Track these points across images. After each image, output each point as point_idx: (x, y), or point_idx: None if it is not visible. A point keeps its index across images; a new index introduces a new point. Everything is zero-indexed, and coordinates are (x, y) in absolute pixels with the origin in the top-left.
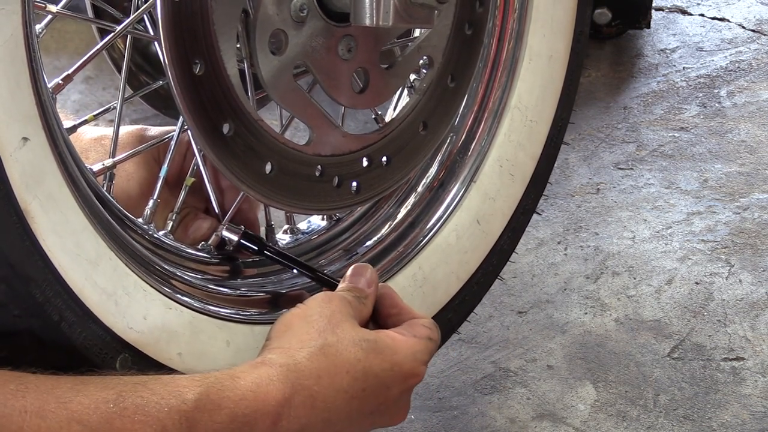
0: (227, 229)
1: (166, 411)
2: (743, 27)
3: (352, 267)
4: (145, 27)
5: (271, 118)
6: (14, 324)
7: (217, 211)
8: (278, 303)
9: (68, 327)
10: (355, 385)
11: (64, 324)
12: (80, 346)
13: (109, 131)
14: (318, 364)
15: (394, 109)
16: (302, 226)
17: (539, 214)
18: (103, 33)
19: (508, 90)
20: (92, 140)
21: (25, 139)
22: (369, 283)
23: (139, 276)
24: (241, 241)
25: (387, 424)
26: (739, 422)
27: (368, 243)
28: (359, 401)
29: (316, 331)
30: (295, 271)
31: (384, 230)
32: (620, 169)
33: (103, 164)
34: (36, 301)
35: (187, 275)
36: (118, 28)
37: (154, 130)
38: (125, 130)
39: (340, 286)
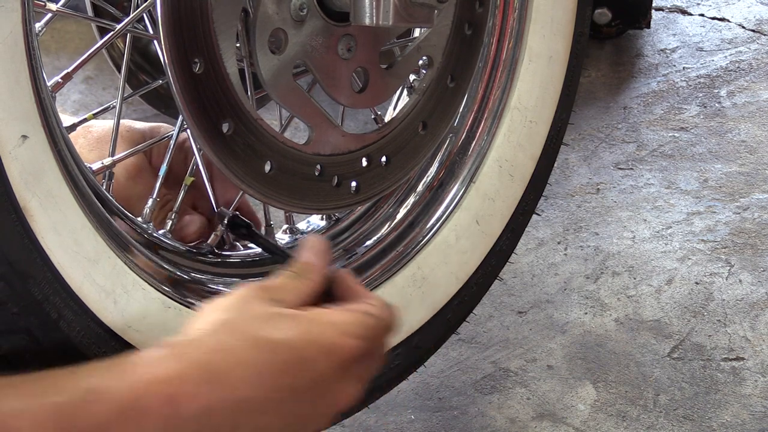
0: (221, 214)
1: (38, 407)
2: (743, 27)
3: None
4: (145, 26)
5: (271, 117)
6: (13, 322)
7: (216, 209)
8: None
9: (67, 325)
10: (261, 358)
11: (63, 322)
12: (78, 344)
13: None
14: (218, 338)
15: (394, 108)
16: (302, 225)
17: (539, 214)
18: (102, 32)
19: (508, 90)
20: (82, 128)
21: (25, 136)
22: (316, 254)
23: (137, 274)
24: (232, 222)
25: (332, 407)
26: (739, 422)
27: (368, 243)
28: (272, 377)
29: (222, 310)
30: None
31: (383, 230)
32: (620, 169)
33: (102, 163)
34: (35, 298)
35: (187, 274)
36: (118, 26)
37: (139, 125)
38: (109, 125)
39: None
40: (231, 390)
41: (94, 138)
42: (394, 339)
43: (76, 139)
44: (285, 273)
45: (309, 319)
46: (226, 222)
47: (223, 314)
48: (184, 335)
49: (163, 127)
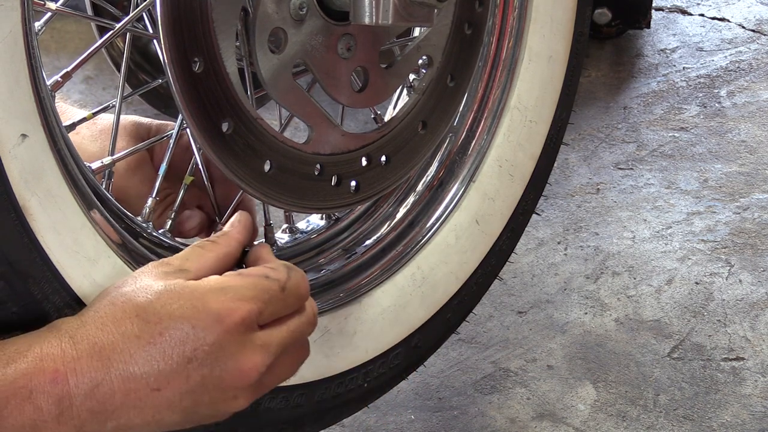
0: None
1: None
2: (743, 27)
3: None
4: (145, 25)
5: (271, 117)
6: (12, 321)
7: (215, 208)
8: None
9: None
10: (148, 329)
11: None
12: None
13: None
14: (104, 313)
15: (394, 108)
16: (301, 225)
17: (538, 214)
18: (102, 31)
19: (508, 90)
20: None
21: (24, 135)
22: (232, 225)
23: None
24: None
25: (238, 377)
26: (739, 422)
27: (367, 242)
28: (159, 348)
29: (114, 288)
30: None
31: (383, 230)
32: (620, 169)
33: (102, 162)
34: (34, 298)
35: None
36: (118, 26)
37: (146, 121)
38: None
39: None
40: (119, 364)
41: (97, 130)
42: (395, 336)
43: (80, 130)
44: (193, 244)
45: (198, 288)
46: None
47: (113, 292)
48: (71, 315)
49: (170, 125)
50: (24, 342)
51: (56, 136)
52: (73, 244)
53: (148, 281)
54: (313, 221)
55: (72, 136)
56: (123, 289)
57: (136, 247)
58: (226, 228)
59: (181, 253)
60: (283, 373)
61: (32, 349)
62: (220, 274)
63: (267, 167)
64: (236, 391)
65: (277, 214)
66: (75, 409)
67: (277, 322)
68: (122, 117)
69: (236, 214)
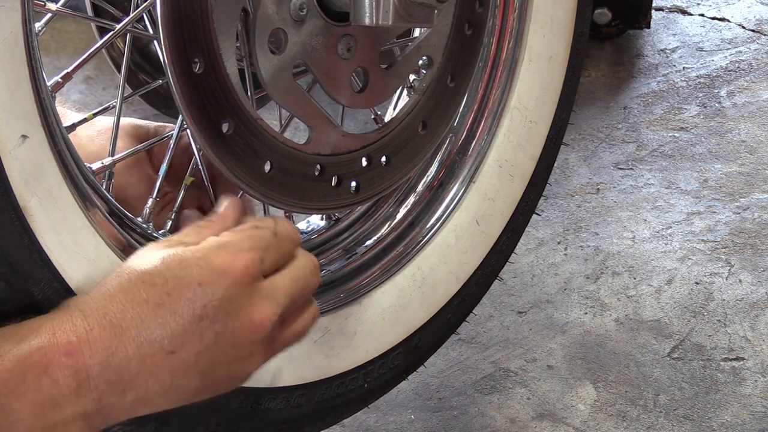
0: None
1: None
2: (743, 27)
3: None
4: (145, 26)
5: (271, 117)
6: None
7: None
8: None
9: None
10: (155, 292)
11: None
12: None
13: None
14: (111, 285)
15: (394, 108)
16: (301, 225)
17: (539, 214)
18: (102, 32)
19: (508, 90)
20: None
21: (24, 136)
22: (225, 207)
23: None
24: None
25: (244, 329)
26: (739, 422)
27: (368, 243)
28: (169, 309)
29: (120, 266)
30: None
31: (383, 230)
32: (620, 169)
33: (102, 163)
34: (35, 298)
35: None
36: (118, 26)
37: (144, 122)
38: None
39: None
40: (131, 330)
41: (95, 131)
42: (395, 336)
43: (77, 132)
44: (190, 225)
45: (198, 249)
46: None
47: (117, 269)
48: (80, 293)
49: (169, 126)
50: (36, 321)
51: (56, 136)
52: (73, 244)
53: (150, 253)
54: (313, 222)
55: (70, 137)
56: (127, 263)
57: (137, 248)
58: (219, 209)
59: (180, 232)
60: (295, 329)
61: (44, 326)
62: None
63: (267, 168)
64: (252, 346)
65: (277, 214)
66: (92, 381)
67: (278, 270)
68: (121, 119)
69: (226, 199)
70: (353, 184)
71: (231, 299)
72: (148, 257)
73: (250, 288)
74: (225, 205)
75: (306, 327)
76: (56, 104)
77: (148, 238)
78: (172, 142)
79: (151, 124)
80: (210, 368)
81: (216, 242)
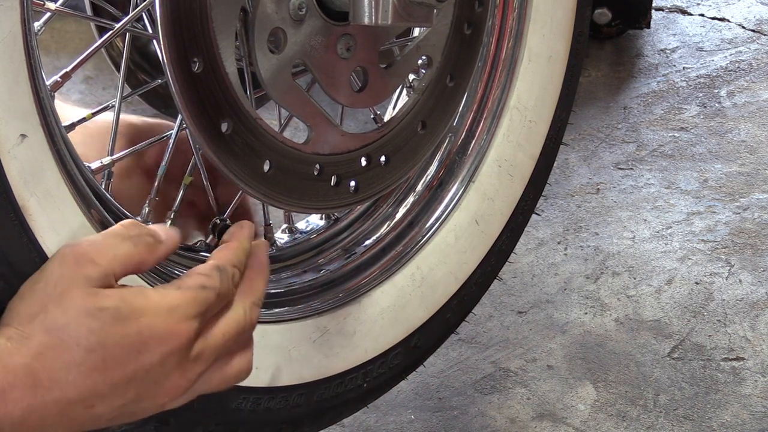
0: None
1: None
2: (743, 27)
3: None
4: (144, 25)
5: (271, 117)
6: None
7: (215, 208)
8: (275, 301)
9: None
10: (90, 358)
11: None
12: None
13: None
14: (39, 340)
15: (393, 108)
16: (301, 225)
17: (538, 214)
18: (101, 31)
19: (508, 90)
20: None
21: (23, 135)
22: (166, 233)
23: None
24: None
25: (164, 391)
26: (739, 422)
27: (367, 242)
28: (101, 373)
29: (39, 304)
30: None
31: (383, 230)
32: (620, 169)
33: (101, 162)
34: None
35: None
36: (117, 25)
37: (135, 119)
38: (106, 121)
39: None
40: (59, 391)
41: (88, 134)
42: (394, 336)
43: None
44: (117, 231)
45: (142, 311)
46: (217, 233)
47: (40, 312)
48: (3, 333)
49: (162, 124)
50: None
51: (55, 136)
52: None
53: (79, 302)
54: (312, 221)
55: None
56: (54, 312)
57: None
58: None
59: (95, 239)
60: (223, 376)
61: None
62: (141, 266)
63: (266, 167)
64: (166, 401)
65: (276, 214)
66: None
67: (209, 325)
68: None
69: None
70: (352, 183)
71: (162, 364)
72: (80, 314)
73: (182, 354)
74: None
75: (235, 377)
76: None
77: None
78: (171, 141)
79: (146, 121)
80: (120, 417)
81: (161, 304)
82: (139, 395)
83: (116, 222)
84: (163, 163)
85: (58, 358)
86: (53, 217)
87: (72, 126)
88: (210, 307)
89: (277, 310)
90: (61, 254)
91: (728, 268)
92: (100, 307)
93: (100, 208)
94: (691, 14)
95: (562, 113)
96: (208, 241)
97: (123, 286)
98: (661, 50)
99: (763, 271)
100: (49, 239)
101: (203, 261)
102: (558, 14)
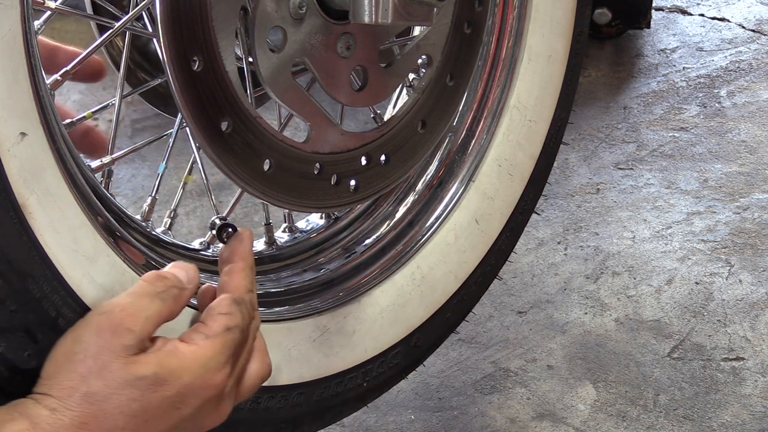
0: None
1: None
2: (743, 27)
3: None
4: (144, 24)
5: (271, 117)
6: (11, 320)
7: (214, 208)
8: (275, 300)
9: (65, 323)
10: (133, 422)
11: (61, 320)
12: None
13: None
14: (83, 410)
15: (393, 107)
16: (301, 224)
17: (538, 214)
18: (101, 30)
19: (507, 89)
20: None
21: (23, 134)
22: (188, 277)
23: (136, 273)
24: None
25: (197, 429)
26: (739, 422)
27: (367, 241)
28: (143, 430)
29: (80, 376)
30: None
31: (382, 229)
32: (620, 169)
33: (101, 161)
34: (33, 296)
35: None
36: (117, 24)
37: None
38: None
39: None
40: None
41: None
42: (394, 335)
43: None
44: (143, 290)
45: (179, 372)
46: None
47: (82, 385)
48: (44, 402)
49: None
50: (20, 423)
51: (55, 134)
52: (71, 242)
53: (119, 374)
54: (312, 220)
55: None
56: (96, 385)
57: (135, 246)
58: (183, 277)
59: (122, 303)
60: (248, 388)
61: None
62: (170, 317)
63: (266, 166)
64: (213, 422)
65: (277, 213)
66: None
67: (236, 359)
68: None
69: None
70: (352, 182)
71: (200, 411)
72: (120, 382)
73: (218, 397)
74: (177, 269)
75: (258, 383)
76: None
77: (147, 237)
78: (171, 141)
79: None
80: None
81: (194, 361)
82: None
83: (117, 222)
84: (164, 162)
85: (102, 426)
86: (53, 216)
87: (72, 124)
88: (237, 347)
89: (277, 309)
90: (97, 325)
91: (728, 268)
92: (139, 377)
93: (100, 206)
94: (691, 14)
95: (561, 113)
96: (208, 240)
97: (155, 338)
98: (661, 50)
99: (763, 271)
100: (48, 238)
101: (202, 259)
102: (558, 14)
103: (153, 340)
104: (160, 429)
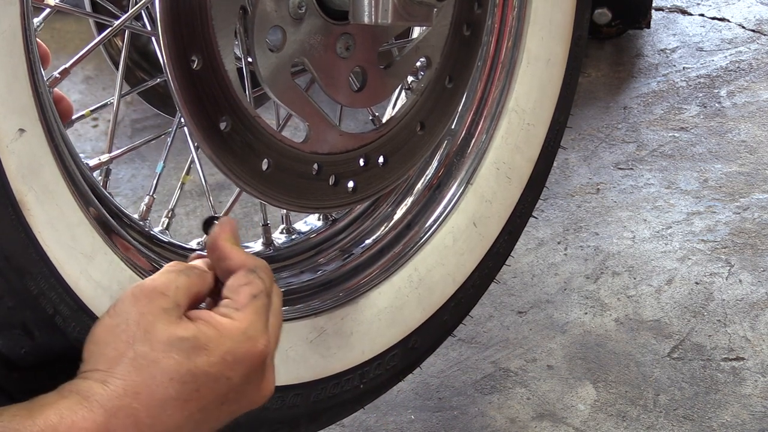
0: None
1: None
2: (743, 27)
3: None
4: (143, 23)
5: (270, 117)
6: (8, 316)
7: (212, 208)
8: None
9: (62, 320)
10: (185, 389)
11: (58, 317)
12: (74, 339)
13: None
14: (133, 379)
15: (393, 108)
16: (299, 225)
17: (536, 217)
18: (101, 28)
19: (506, 92)
20: None
21: (22, 130)
22: (208, 264)
23: (134, 270)
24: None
25: (250, 404)
26: (739, 422)
27: (365, 243)
28: (197, 402)
29: (124, 344)
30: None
31: (381, 230)
32: (620, 169)
33: (99, 159)
34: (30, 293)
35: None
36: (117, 23)
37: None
38: None
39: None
40: (160, 425)
41: None
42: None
43: None
44: (168, 269)
45: (221, 337)
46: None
47: (128, 350)
48: (94, 378)
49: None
50: (54, 411)
51: (54, 131)
52: (69, 239)
53: (162, 331)
54: (310, 221)
55: None
56: (141, 349)
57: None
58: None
59: (163, 280)
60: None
61: (64, 421)
62: (198, 296)
63: (265, 166)
64: (256, 406)
65: (275, 213)
66: None
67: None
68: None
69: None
70: (351, 183)
71: (249, 380)
72: (165, 344)
73: (263, 365)
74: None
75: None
76: None
77: (144, 235)
78: (170, 139)
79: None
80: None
81: (234, 328)
82: (233, 413)
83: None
84: (161, 161)
85: (154, 395)
86: (51, 213)
87: (71, 122)
88: (269, 311)
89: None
90: (131, 295)
91: (728, 268)
92: (181, 338)
93: (98, 205)
94: (691, 14)
95: (560, 116)
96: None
97: (190, 312)
98: (661, 50)
99: (763, 271)
100: (46, 235)
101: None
102: (557, 17)
103: (188, 314)
104: (211, 399)
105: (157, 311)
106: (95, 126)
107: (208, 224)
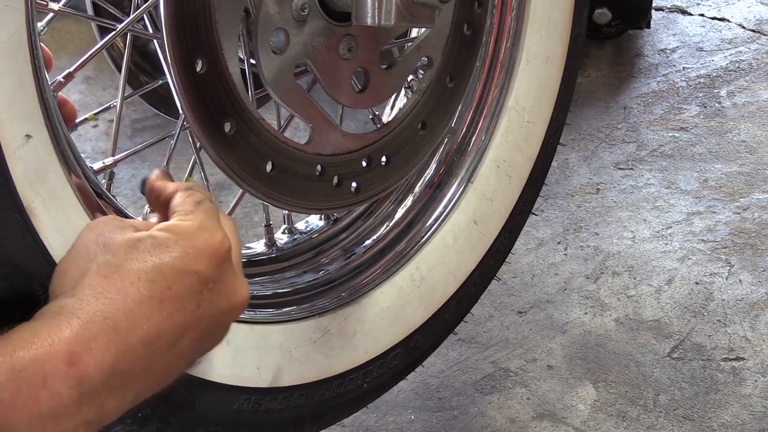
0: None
1: None
2: (743, 27)
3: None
4: (145, 26)
5: (271, 118)
6: (16, 322)
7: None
8: (276, 301)
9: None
10: (156, 288)
11: None
12: None
13: None
14: (101, 285)
15: (393, 108)
16: (300, 225)
17: (536, 215)
18: (103, 32)
19: (506, 91)
20: None
21: (28, 136)
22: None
23: None
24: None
25: (229, 307)
26: (739, 422)
27: (367, 242)
28: (171, 303)
29: (86, 261)
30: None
31: (382, 230)
32: (620, 169)
33: (104, 163)
34: (38, 299)
35: None
36: (120, 26)
37: None
38: None
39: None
40: (137, 330)
41: None
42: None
43: None
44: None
45: (172, 235)
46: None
47: (91, 263)
48: (65, 295)
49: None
50: (27, 329)
51: (59, 136)
52: None
53: (120, 241)
54: (312, 221)
55: None
56: (103, 258)
57: None
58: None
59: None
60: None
61: (39, 335)
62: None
63: (269, 168)
64: (233, 317)
65: (276, 214)
66: (95, 389)
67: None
68: None
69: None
70: (354, 184)
71: (221, 280)
72: (126, 248)
73: (229, 264)
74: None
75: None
76: None
77: None
78: (173, 142)
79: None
80: (199, 350)
81: (192, 224)
82: (214, 318)
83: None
84: (164, 163)
85: (127, 296)
86: (57, 218)
87: (75, 126)
88: (216, 213)
89: (278, 310)
90: (87, 226)
91: (728, 268)
92: (139, 239)
93: (103, 208)
94: (691, 14)
95: (559, 114)
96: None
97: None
98: (661, 50)
99: (763, 271)
100: (53, 240)
101: None
102: (555, 15)
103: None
104: (186, 298)
105: (113, 228)
106: (95, 126)
107: (143, 184)
